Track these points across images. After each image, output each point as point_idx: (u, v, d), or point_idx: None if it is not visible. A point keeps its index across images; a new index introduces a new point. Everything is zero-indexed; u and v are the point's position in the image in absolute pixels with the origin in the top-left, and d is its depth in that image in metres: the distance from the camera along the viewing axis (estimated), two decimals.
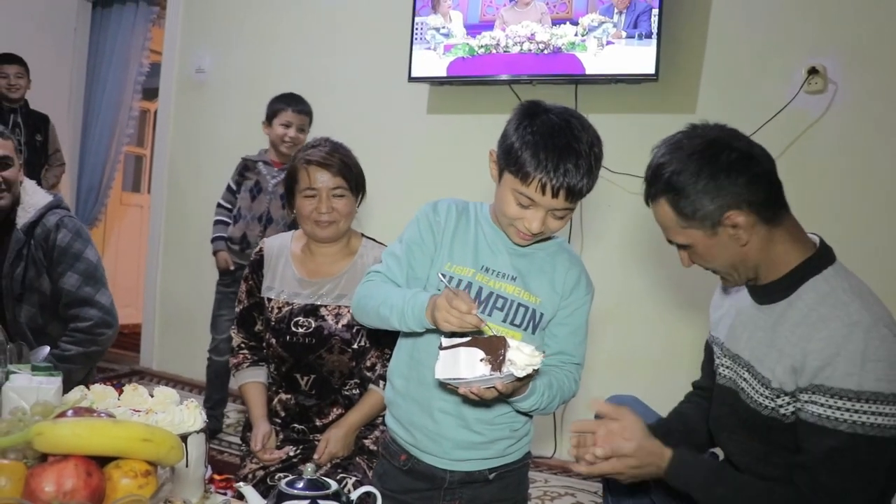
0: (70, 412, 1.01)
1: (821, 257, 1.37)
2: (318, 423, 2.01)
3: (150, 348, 4.48)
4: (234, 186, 3.24)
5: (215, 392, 3.32)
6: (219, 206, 3.27)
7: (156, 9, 4.82)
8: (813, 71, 2.68)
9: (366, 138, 3.43)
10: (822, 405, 1.26)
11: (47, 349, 2.01)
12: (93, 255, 2.32)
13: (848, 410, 1.23)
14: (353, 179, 2.03)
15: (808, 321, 1.31)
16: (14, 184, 2.26)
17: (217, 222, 3.25)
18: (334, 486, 1.28)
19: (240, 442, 2.22)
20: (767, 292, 1.41)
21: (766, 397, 1.37)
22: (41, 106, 4.25)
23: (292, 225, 3.16)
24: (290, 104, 3.15)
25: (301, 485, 1.28)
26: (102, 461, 0.98)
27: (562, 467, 3.03)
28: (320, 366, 1.98)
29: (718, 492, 1.36)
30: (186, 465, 1.37)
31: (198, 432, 1.44)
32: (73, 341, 2.23)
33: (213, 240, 3.25)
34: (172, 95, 4.38)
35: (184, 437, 1.39)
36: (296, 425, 2.02)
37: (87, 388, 1.51)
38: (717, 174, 1.31)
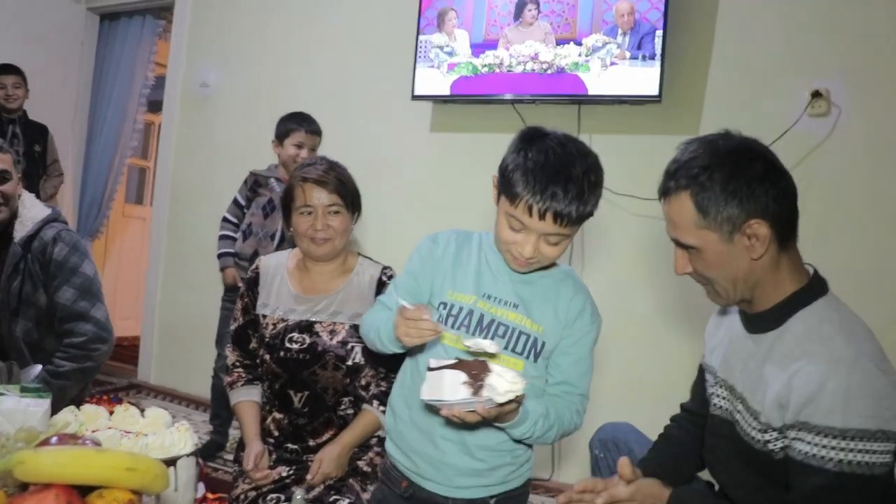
0: (54, 439, 0.99)
1: (813, 288, 1.35)
2: (311, 443, 1.99)
3: (148, 362, 4.45)
4: (242, 201, 3.18)
5: (223, 409, 3.23)
6: (224, 220, 3.21)
7: (162, 22, 4.84)
8: (816, 94, 2.67)
9: (368, 156, 3.44)
10: (808, 443, 1.24)
11: (39, 368, 2.00)
12: (89, 269, 2.31)
13: (833, 448, 1.21)
14: (349, 197, 2.05)
15: (793, 355, 1.29)
16: (12, 197, 2.26)
17: (223, 237, 3.20)
18: None
19: (233, 461, 2.20)
20: (759, 321, 1.39)
21: (758, 430, 1.35)
22: (46, 117, 4.25)
23: None
24: (302, 124, 3.13)
25: None
26: (87, 489, 0.97)
27: (559, 489, 3.00)
28: (314, 382, 1.97)
29: None
30: (175, 489, 1.36)
31: (188, 455, 1.43)
32: (68, 357, 2.22)
33: (220, 255, 3.18)
34: (176, 109, 4.39)
35: (174, 460, 1.38)
36: (289, 445, 2.00)
37: (79, 407, 1.50)
38: (751, 180, 1.29)
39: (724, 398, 1.48)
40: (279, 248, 3.07)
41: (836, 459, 1.20)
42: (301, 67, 3.91)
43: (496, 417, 1.37)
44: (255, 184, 3.18)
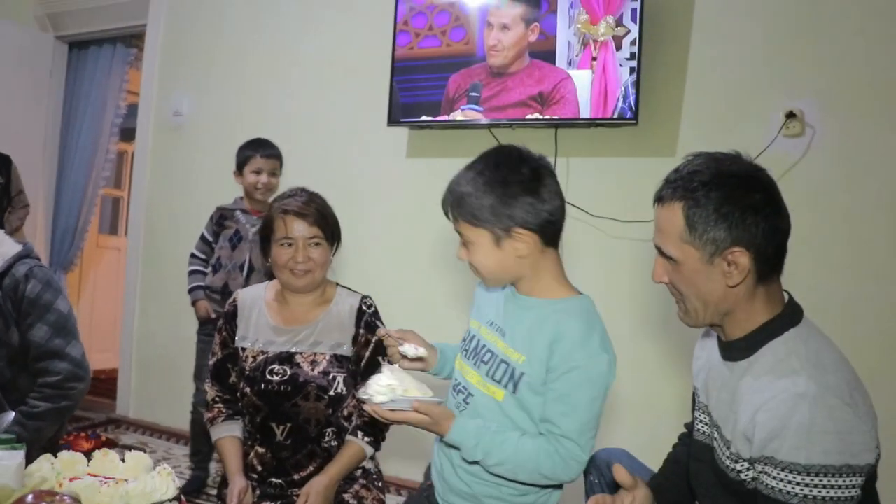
0: (30, 497, 0.96)
1: (785, 317, 1.34)
2: (295, 476, 1.97)
3: (126, 395, 4.37)
4: (209, 237, 3.19)
5: (203, 445, 3.19)
6: (192, 256, 3.22)
7: (133, 50, 4.80)
8: (791, 115, 2.70)
9: (345, 182, 3.43)
10: (773, 477, 1.23)
11: (12, 415, 1.94)
12: (63, 306, 2.26)
13: (798, 484, 1.20)
14: (329, 229, 2.06)
15: (759, 388, 1.29)
16: None
17: (192, 272, 3.20)
18: None
19: (216, 498, 2.16)
20: (732, 349, 1.38)
21: (730, 459, 1.35)
22: (14, 148, 4.16)
23: (271, 275, 3.13)
24: (257, 150, 3.13)
25: None
26: None
27: None
28: (296, 414, 1.96)
29: None
30: None
31: (171, 500, 1.39)
32: (43, 397, 2.16)
33: (191, 290, 3.19)
34: (150, 138, 4.35)
35: None
36: (273, 479, 1.98)
37: (55, 446, 1.46)
38: (745, 208, 1.28)
39: (705, 423, 1.48)
40: (248, 278, 3.07)
41: (800, 495, 1.20)
42: (275, 94, 3.89)
43: (427, 425, 1.47)
44: (220, 218, 3.18)
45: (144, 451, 3.49)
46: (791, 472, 1.21)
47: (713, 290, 1.33)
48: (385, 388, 1.46)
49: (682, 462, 1.64)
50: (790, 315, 1.34)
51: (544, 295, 1.53)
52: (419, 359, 1.65)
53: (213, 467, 3.39)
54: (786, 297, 1.38)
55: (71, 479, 1.37)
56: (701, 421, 1.49)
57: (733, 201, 1.28)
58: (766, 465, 1.24)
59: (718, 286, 1.32)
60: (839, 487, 1.18)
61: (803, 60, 2.74)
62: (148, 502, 1.32)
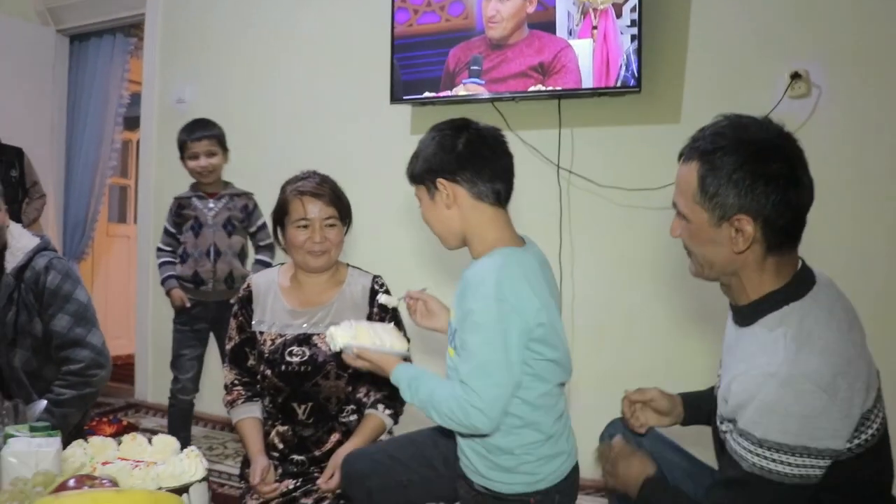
0: (71, 482, 1.00)
1: (788, 290, 1.34)
2: (316, 452, 2.01)
3: (144, 380, 4.43)
4: (171, 228, 3.16)
5: (180, 432, 3.14)
6: (159, 249, 3.20)
7: (133, 40, 4.79)
8: (796, 76, 2.69)
9: (350, 163, 3.43)
10: (734, 439, 1.30)
11: (44, 404, 1.99)
12: (83, 295, 2.32)
13: (750, 452, 1.26)
14: (343, 209, 2.10)
15: (742, 357, 1.33)
16: (1, 229, 2.25)
17: (162, 264, 3.17)
18: None
19: (239, 478, 2.21)
20: (739, 314, 1.41)
21: (718, 417, 1.42)
22: (22, 142, 4.20)
23: (241, 254, 3.14)
24: (190, 134, 3.09)
25: None
26: None
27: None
28: (317, 393, 2.00)
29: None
30: None
31: (200, 481, 1.43)
32: (67, 384, 2.22)
33: (164, 280, 3.16)
34: (154, 127, 4.36)
35: (187, 487, 1.38)
36: (295, 457, 2.01)
37: (86, 439, 1.50)
38: (757, 177, 1.28)
39: (719, 376, 1.53)
40: (216, 263, 3.07)
41: (750, 461, 1.25)
42: (276, 77, 3.89)
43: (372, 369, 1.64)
44: (178, 208, 3.15)
45: (165, 434, 3.56)
46: (746, 439, 1.26)
47: (719, 252, 1.34)
48: (347, 335, 1.63)
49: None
50: (795, 287, 1.34)
51: (480, 254, 1.56)
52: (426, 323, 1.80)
53: (234, 447, 3.45)
54: (799, 265, 1.38)
55: (103, 464, 1.41)
56: (718, 374, 1.54)
57: (746, 168, 1.28)
58: (732, 424, 1.31)
59: (724, 250, 1.34)
60: (791, 465, 1.22)
61: (807, 20, 2.71)
62: (178, 483, 1.36)
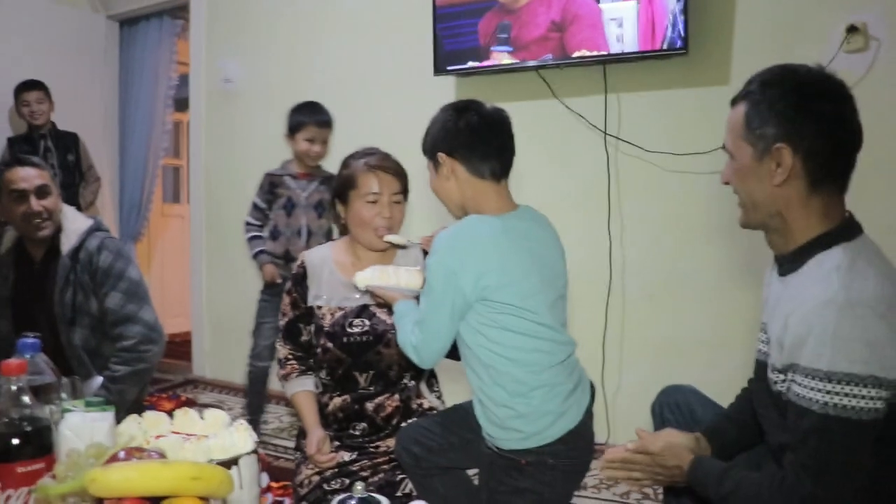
0: (121, 454, 1.03)
1: (839, 232, 1.32)
2: (377, 419, 2.03)
3: (201, 356, 4.56)
4: (261, 204, 3.23)
5: (255, 398, 3.34)
6: (247, 223, 3.26)
7: (180, 22, 4.88)
8: (852, 29, 2.57)
9: (395, 137, 3.41)
10: (798, 384, 1.23)
11: (100, 380, 2.06)
12: (135, 273, 2.38)
13: (819, 391, 1.19)
14: (407, 185, 2.09)
15: (795, 294, 1.29)
16: (55, 212, 2.32)
17: (252, 238, 3.24)
18: (385, 502, 1.28)
19: (294, 450, 2.25)
20: (785, 263, 1.39)
21: (772, 370, 1.35)
22: (77, 127, 4.31)
23: (327, 235, 3.17)
24: (311, 117, 3.13)
25: (352, 503, 1.28)
26: (157, 499, 1.00)
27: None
28: (378, 361, 2.02)
29: (726, 487, 1.35)
30: (241, 487, 1.39)
31: (249, 453, 1.46)
32: (121, 361, 2.29)
33: (256, 254, 3.23)
34: (203, 106, 4.44)
35: (236, 460, 1.41)
36: (354, 430, 2.03)
37: (140, 415, 1.54)
38: (799, 108, 1.29)
39: (762, 341, 1.49)
40: (308, 243, 3.11)
41: (820, 402, 1.19)
42: (321, 53, 3.91)
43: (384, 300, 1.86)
44: (271, 185, 3.21)
45: (222, 409, 3.66)
46: (813, 378, 1.20)
47: (761, 189, 1.34)
48: (368, 276, 1.85)
49: (741, 409, 1.65)
50: (845, 230, 1.32)
51: None
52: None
53: (287, 419, 3.52)
54: (847, 215, 1.36)
55: (157, 437, 1.45)
56: (761, 340, 1.50)
57: (790, 99, 1.29)
58: (794, 372, 1.24)
59: (766, 185, 1.33)
60: (862, 398, 1.16)
61: None
62: (228, 455, 1.39)
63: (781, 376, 1.31)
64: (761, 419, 1.51)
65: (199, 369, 4.55)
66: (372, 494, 1.32)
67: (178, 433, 1.50)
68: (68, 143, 4.19)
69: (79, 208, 3.82)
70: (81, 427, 1.27)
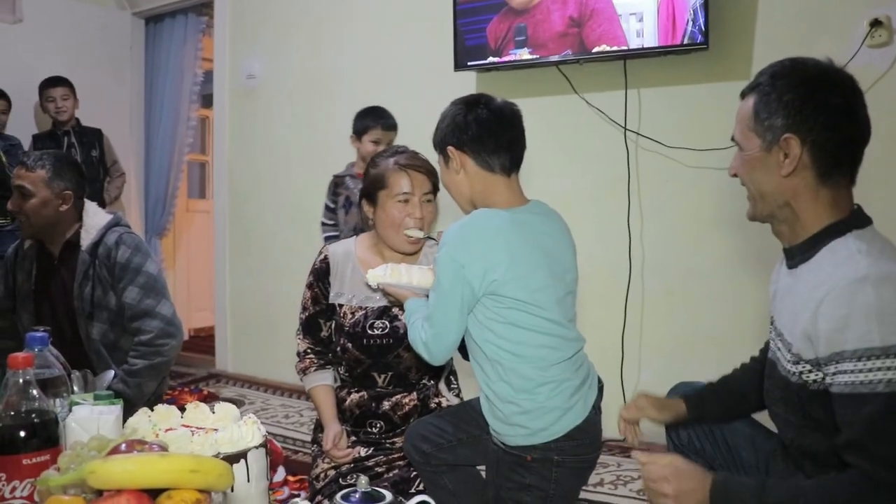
0: (123, 446, 1.04)
1: (849, 221, 1.31)
2: (395, 417, 2.03)
3: (224, 351, 4.59)
4: (331, 205, 3.37)
5: None
6: (322, 224, 3.41)
7: (204, 18, 4.91)
8: (876, 23, 2.53)
9: (417, 132, 3.41)
10: (850, 372, 1.17)
11: (112, 374, 2.08)
12: (152, 267, 2.40)
13: (880, 370, 1.14)
14: (437, 185, 2.04)
15: (818, 282, 1.26)
16: (31, 215, 2.32)
17: (326, 238, 3.34)
18: (389, 497, 1.29)
19: (311, 443, 2.26)
20: (794, 254, 1.38)
21: (791, 362, 1.32)
22: (103, 123, 4.36)
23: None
24: (378, 121, 3.22)
25: (356, 497, 1.29)
26: (156, 492, 1.01)
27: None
28: (398, 364, 2.02)
29: (773, 498, 1.23)
30: (248, 480, 1.40)
31: (258, 447, 1.47)
32: (139, 354, 2.32)
33: None
34: (227, 103, 4.48)
35: (244, 453, 1.42)
36: (371, 425, 2.04)
37: (152, 409, 1.56)
38: (807, 100, 1.28)
39: (773, 338, 1.46)
40: None
41: (885, 380, 1.13)
42: (342, 50, 3.92)
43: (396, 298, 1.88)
44: (335, 186, 3.35)
45: (243, 403, 3.69)
46: (868, 358, 1.15)
47: (769, 180, 1.34)
48: (380, 274, 1.84)
49: (728, 381, 1.70)
50: (855, 220, 1.32)
51: None
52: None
53: (307, 414, 3.55)
54: (855, 207, 1.35)
55: (167, 430, 1.46)
56: (771, 338, 1.49)
57: (798, 91, 1.29)
58: (838, 363, 1.19)
59: (774, 176, 1.33)
60: None
61: None
62: (236, 449, 1.40)
63: (808, 366, 1.27)
64: (773, 417, 1.49)
65: (222, 364, 4.59)
66: (376, 489, 1.33)
67: (187, 426, 1.52)
68: (92, 139, 4.24)
69: (103, 204, 3.88)
70: (88, 420, 1.29)
